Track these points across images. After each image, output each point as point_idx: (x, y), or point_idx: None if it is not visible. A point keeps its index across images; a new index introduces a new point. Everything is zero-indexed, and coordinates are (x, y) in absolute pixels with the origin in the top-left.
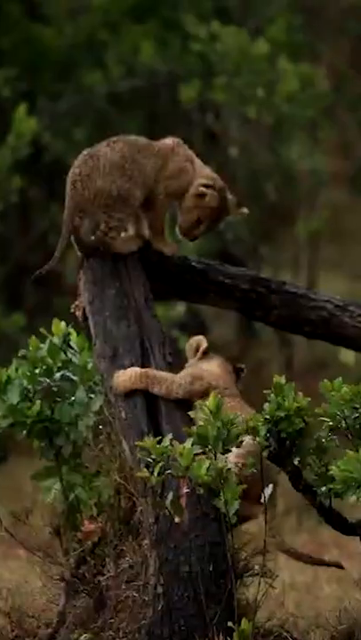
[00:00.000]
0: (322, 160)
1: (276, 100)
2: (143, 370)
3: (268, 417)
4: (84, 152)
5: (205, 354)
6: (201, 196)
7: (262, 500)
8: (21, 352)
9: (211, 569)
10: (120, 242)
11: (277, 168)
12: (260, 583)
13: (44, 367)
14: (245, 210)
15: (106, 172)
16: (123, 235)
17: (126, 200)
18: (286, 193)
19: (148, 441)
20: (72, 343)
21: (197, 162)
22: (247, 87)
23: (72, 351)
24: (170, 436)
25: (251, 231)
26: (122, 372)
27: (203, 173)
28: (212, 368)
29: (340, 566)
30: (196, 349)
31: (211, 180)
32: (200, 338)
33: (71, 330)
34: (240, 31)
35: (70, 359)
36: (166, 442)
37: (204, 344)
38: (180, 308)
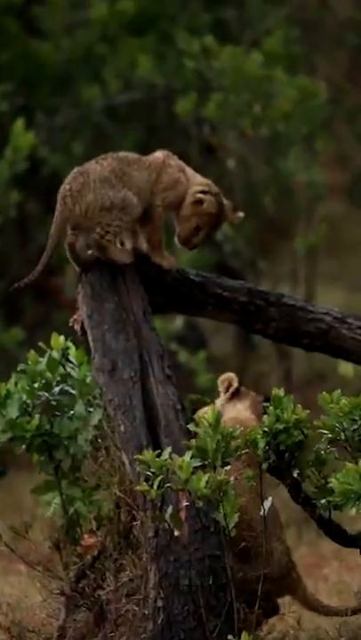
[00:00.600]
0: (319, 173)
1: (272, 114)
2: None
3: (266, 429)
4: (75, 170)
5: (236, 393)
6: (199, 202)
7: (261, 513)
8: (20, 366)
9: (211, 582)
10: (116, 249)
11: (275, 181)
12: (259, 596)
13: (43, 381)
14: (241, 214)
15: (96, 186)
16: (119, 246)
17: (123, 208)
18: (284, 206)
19: (147, 454)
20: (71, 357)
21: (189, 170)
22: (243, 104)
23: (71, 365)
24: (169, 449)
25: (249, 244)
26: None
27: (196, 181)
28: (242, 413)
29: None
30: (227, 387)
31: (206, 186)
32: (231, 376)
33: (70, 344)
34: (235, 50)
35: (69, 373)
36: (165, 455)
37: (235, 383)
38: (178, 322)
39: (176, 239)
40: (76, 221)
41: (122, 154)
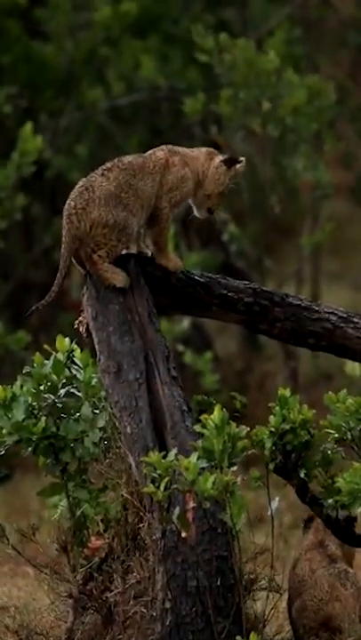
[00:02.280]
0: (326, 173)
1: (281, 112)
2: None
3: (273, 430)
4: (80, 183)
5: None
6: (230, 167)
7: (269, 513)
8: (26, 369)
9: (218, 583)
10: (107, 267)
11: (281, 180)
12: (268, 597)
13: (49, 384)
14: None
15: (102, 203)
16: (132, 249)
17: (124, 229)
18: (289, 206)
19: (154, 456)
20: (76, 359)
21: (188, 154)
22: (253, 100)
23: (76, 367)
24: (175, 450)
25: (254, 244)
26: None
27: (201, 157)
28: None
29: None
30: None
31: (214, 153)
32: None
33: (75, 346)
34: (248, 44)
35: (75, 375)
36: (171, 456)
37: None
38: (184, 323)
39: (203, 212)
40: (82, 238)
41: (127, 160)
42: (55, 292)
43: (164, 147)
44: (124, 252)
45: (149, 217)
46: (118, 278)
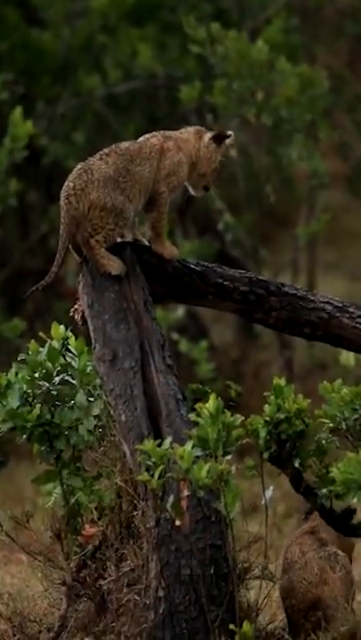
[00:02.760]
0: (321, 162)
1: (275, 102)
2: None
3: (268, 419)
4: (78, 166)
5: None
6: (219, 144)
7: (263, 502)
8: (21, 356)
9: (212, 572)
10: (104, 254)
11: (276, 170)
12: (261, 585)
13: (44, 371)
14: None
15: (100, 185)
16: (127, 237)
17: (120, 213)
18: (284, 195)
19: (148, 444)
20: (71, 347)
21: (179, 137)
22: (246, 91)
23: (71, 355)
24: (170, 438)
25: (250, 233)
26: None
27: (191, 138)
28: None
29: None
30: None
31: (202, 132)
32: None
33: (69, 334)
34: (240, 35)
35: (70, 363)
36: (166, 445)
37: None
38: (180, 312)
39: (199, 191)
40: (80, 220)
41: (124, 146)
42: (54, 273)
43: (156, 133)
44: (119, 239)
45: (148, 201)
46: (114, 266)
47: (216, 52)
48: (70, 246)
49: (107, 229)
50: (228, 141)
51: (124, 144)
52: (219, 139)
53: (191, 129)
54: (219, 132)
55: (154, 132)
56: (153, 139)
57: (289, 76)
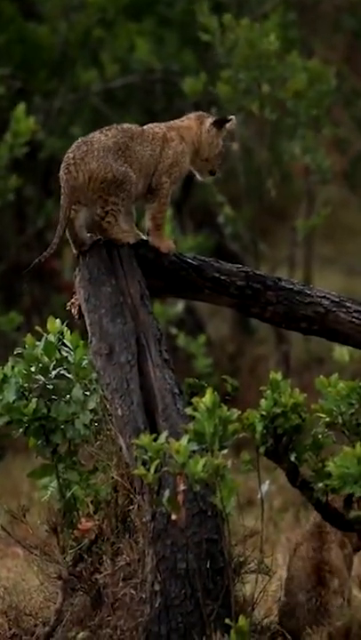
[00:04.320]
0: (325, 157)
1: (282, 95)
2: None
3: (264, 413)
4: (78, 140)
5: None
6: (220, 128)
7: (259, 497)
8: (17, 350)
9: (208, 566)
10: (118, 229)
11: (277, 164)
12: (257, 580)
13: (40, 365)
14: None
15: (100, 155)
16: (123, 227)
17: (122, 184)
18: (283, 190)
19: (145, 438)
20: (67, 341)
21: (182, 126)
22: (252, 82)
23: (67, 349)
24: (166, 432)
25: (249, 227)
26: None
27: (193, 124)
28: None
29: None
30: None
31: (204, 117)
32: None
33: (65, 328)
34: (252, 24)
35: (66, 357)
36: (162, 439)
37: None
38: (179, 306)
39: (205, 176)
40: (80, 191)
41: (126, 125)
42: (56, 244)
43: (157, 124)
44: (124, 226)
45: (149, 192)
46: (130, 237)
47: (225, 42)
48: (68, 234)
49: (112, 206)
50: (228, 125)
51: (127, 124)
52: (220, 123)
53: (192, 115)
54: (220, 116)
55: (155, 123)
56: (156, 128)
57: (298, 70)
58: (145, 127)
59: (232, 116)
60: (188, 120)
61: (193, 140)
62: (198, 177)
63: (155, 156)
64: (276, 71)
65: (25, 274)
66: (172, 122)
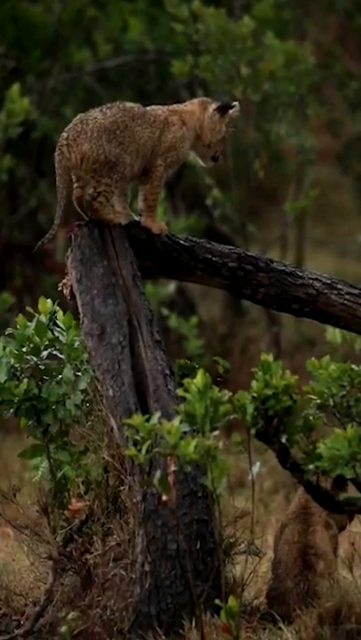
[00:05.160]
0: (309, 137)
1: (259, 77)
2: None
3: (255, 395)
4: (77, 117)
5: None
6: (223, 114)
7: (250, 478)
8: (8, 331)
9: (198, 547)
10: (109, 210)
11: (265, 145)
12: (247, 561)
13: (32, 346)
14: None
15: (93, 136)
16: (117, 207)
17: (114, 166)
18: (273, 171)
19: (136, 419)
20: (59, 322)
21: (184, 110)
22: (230, 66)
23: (59, 329)
24: (158, 413)
25: (238, 209)
26: None
27: (196, 110)
28: None
29: None
30: None
31: (207, 102)
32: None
33: (57, 308)
34: (218, 11)
35: (57, 337)
36: (154, 420)
37: None
38: (171, 287)
39: (208, 161)
40: (74, 171)
41: (128, 105)
42: (57, 225)
43: (161, 106)
44: (118, 207)
45: (143, 173)
46: (121, 217)
47: (198, 30)
48: (79, 210)
49: (104, 187)
50: (232, 111)
51: (130, 104)
52: (223, 109)
53: (196, 100)
54: (224, 102)
55: (159, 106)
56: (159, 110)
57: (276, 51)
58: (148, 108)
59: (235, 102)
60: (192, 105)
61: (195, 125)
62: (201, 163)
63: (153, 138)
64: (254, 52)
65: (34, 252)
66: (175, 105)
